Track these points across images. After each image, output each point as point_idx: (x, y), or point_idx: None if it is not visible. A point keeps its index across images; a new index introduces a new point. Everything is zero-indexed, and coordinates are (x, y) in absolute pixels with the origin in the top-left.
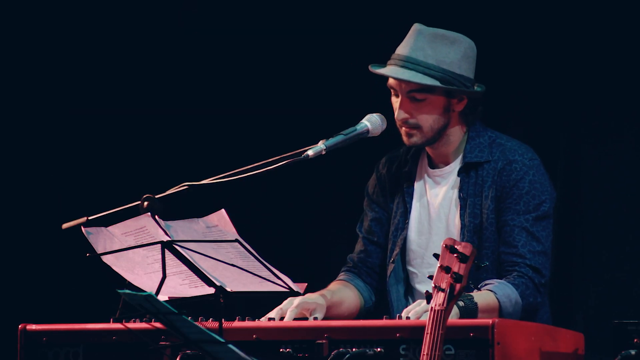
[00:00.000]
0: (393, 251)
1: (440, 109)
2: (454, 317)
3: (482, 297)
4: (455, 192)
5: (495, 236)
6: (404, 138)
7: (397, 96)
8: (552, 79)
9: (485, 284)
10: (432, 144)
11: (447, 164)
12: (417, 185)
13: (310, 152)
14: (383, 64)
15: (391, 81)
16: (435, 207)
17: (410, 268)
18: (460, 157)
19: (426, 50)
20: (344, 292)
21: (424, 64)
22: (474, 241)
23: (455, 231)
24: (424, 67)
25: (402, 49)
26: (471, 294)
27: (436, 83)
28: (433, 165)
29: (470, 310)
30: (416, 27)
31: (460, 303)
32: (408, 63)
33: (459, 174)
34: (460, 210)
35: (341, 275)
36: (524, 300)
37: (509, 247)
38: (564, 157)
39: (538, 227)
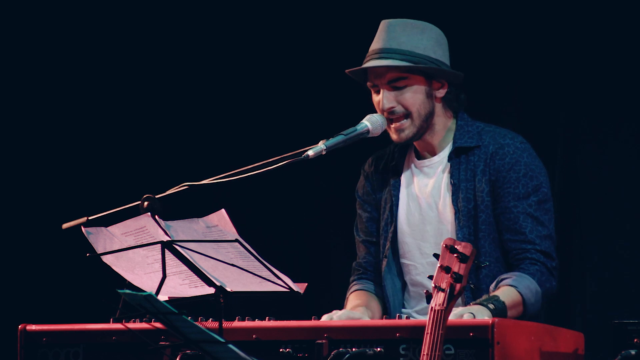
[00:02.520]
0: (385, 246)
1: (423, 94)
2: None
3: (507, 294)
4: (446, 179)
5: (491, 219)
6: (394, 135)
7: (378, 93)
8: (549, 76)
9: (503, 279)
10: (422, 136)
11: (434, 154)
12: (404, 178)
13: (310, 152)
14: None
15: (371, 77)
16: (426, 196)
17: (405, 261)
18: (449, 146)
19: (400, 39)
20: (372, 305)
21: (400, 51)
22: (470, 226)
23: (448, 218)
24: (400, 54)
25: (375, 44)
26: (496, 293)
27: (412, 65)
28: (420, 157)
29: (500, 310)
30: (385, 21)
31: (491, 305)
32: (383, 54)
33: (449, 159)
34: (452, 195)
35: (357, 285)
36: (542, 287)
37: (516, 234)
38: (561, 156)
39: (541, 211)
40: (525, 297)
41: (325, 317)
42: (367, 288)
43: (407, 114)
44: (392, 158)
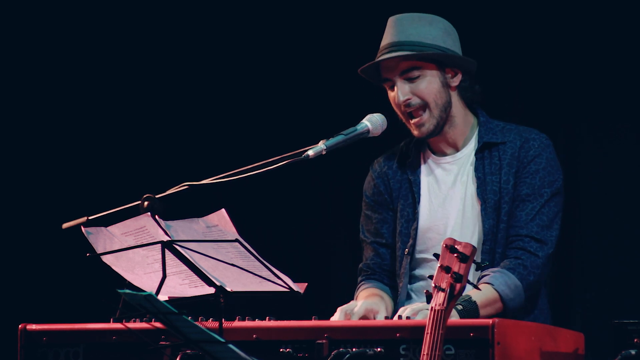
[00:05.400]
0: (407, 243)
1: (438, 82)
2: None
3: (481, 293)
4: (471, 173)
5: (512, 211)
6: (415, 131)
7: (393, 89)
8: (549, 77)
9: (483, 276)
10: (442, 129)
11: (456, 150)
12: (424, 175)
13: (310, 152)
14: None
15: (384, 73)
16: (449, 191)
17: (427, 255)
18: (472, 142)
19: (408, 31)
20: (385, 299)
21: (408, 42)
22: (494, 217)
23: (474, 211)
24: (409, 45)
25: (384, 41)
26: (469, 293)
27: (421, 53)
28: (437, 153)
29: (470, 310)
30: (392, 17)
31: (459, 306)
32: (393, 47)
33: (476, 154)
34: (477, 188)
35: (365, 284)
36: (523, 281)
37: (518, 221)
38: (561, 156)
39: (550, 202)
40: (502, 293)
41: (343, 308)
42: (377, 286)
43: (424, 105)
44: (406, 155)
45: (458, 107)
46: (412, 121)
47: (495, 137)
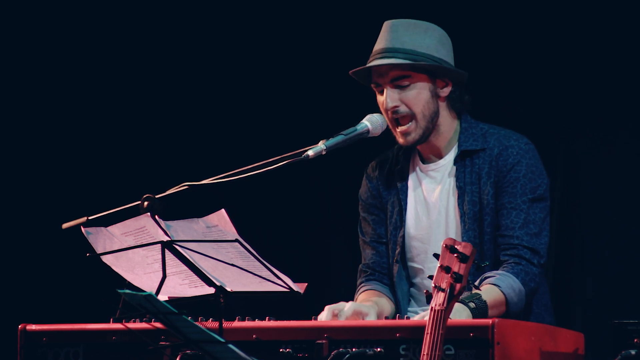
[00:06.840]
0: (395, 250)
1: (427, 93)
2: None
3: (489, 293)
4: (452, 182)
5: (495, 222)
6: (401, 139)
7: (382, 93)
8: (550, 79)
9: (486, 277)
10: (428, 138)
11: (440, 157)
12: (411, 182)
13: (310, 152)
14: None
15: (374, 77)
16: (433, 200)
17: (414, 264)
18: (454, 148)
19: (402, 38)
20: (382, 302)
21: (402, 50)
22: (475, 229)
23: (455, 221)
24: (403, 53)
25: (378, 45)
26: (478, 292)
27: (414, 62)
28: (425, 161)
29: (481, 309)
30: (388, 22)
31: (472, 304)
32: (386, 53)
33: (455, 162)
34: (458, 198)
35: (365, 286)
36: (526, 286)
37: (506, 230)
38: (562, 158)
39: (535, 209)
40: (507, 296)
41: (331, 307)
42: (376, 287)
43: (412, 115)
44: (396, 162)
45: (445, 117)
46: (399, 129)
47: (476, 143)
